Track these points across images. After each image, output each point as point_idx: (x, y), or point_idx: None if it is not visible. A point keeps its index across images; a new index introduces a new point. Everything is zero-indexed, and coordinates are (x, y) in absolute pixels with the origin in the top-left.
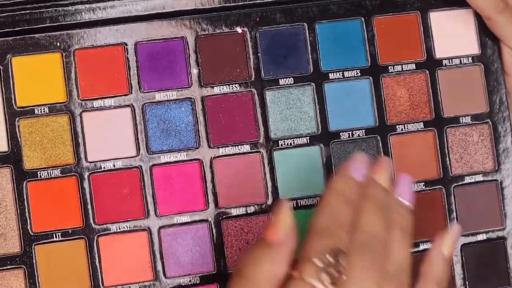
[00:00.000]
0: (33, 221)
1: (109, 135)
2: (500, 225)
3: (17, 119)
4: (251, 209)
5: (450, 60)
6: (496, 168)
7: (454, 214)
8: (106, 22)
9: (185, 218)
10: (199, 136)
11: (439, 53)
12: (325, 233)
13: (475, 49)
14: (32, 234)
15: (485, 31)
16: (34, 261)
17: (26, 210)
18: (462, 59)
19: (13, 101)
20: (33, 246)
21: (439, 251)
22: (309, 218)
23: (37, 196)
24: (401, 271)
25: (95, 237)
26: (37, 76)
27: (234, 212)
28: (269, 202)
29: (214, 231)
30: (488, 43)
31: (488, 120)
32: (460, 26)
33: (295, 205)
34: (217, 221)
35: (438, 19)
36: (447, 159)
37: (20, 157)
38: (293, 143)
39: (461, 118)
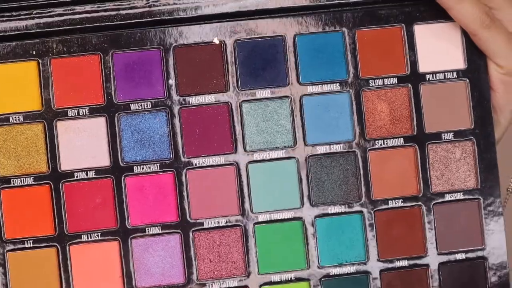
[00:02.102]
0: (6, 228)
1: (83, 144)
2: (480, 245)
3: None
4: (224, 222)
5: (434, 75)
6: (479, 186)
7: (433, 232)
8: (83, 30)
9: (157, 229)
10: (174, 147)
11: (422, 67)
12: None
13: (460, 64)
14: (4, 240)
15: (471, 45)
16: (5, 267)
17: None
18: (446, 73)
19: None
20: (5, 253)
21: None
22: (284, 231)
23: (10, 203)
24: None
25: (67, 245)
26: (12, 84)
27: (207, 224)
28: (243, 215)
29: (185, 242)
30: (474, 57)
31: (472, 137)
32: (446, 40)
33: (269, 219)
34: (189, 232)
35: (423, 32)
36: (428, 175)
37: None
38: (269, 156)
39: (443, 134)
